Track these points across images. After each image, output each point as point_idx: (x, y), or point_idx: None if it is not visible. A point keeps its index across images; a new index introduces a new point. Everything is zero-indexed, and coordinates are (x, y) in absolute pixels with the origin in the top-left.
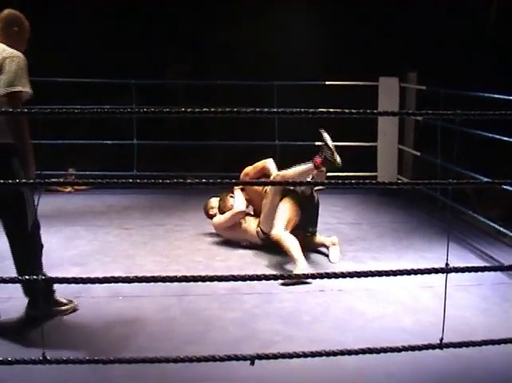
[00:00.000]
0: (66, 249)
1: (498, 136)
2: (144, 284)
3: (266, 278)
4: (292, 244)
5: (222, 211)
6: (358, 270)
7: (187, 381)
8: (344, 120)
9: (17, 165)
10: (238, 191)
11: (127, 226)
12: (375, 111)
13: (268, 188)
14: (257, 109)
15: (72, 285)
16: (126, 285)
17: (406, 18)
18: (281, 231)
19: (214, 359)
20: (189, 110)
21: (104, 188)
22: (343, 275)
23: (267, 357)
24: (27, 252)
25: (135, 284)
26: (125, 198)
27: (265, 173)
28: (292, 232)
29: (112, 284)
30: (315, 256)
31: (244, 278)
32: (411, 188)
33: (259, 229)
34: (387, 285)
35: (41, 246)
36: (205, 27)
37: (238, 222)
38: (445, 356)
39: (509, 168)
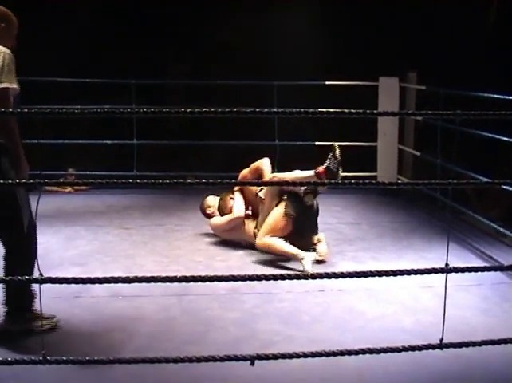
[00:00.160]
0: (66, 249)
1: (498, 136)
2: (144, 284)
3: (266, 278)
4: (280, 244)
5: (222, 212)
6: (358, 270)
7: (186, 381)
8: (344, 120)
9: (7, 165)
10: (237, 193)
11: (127, 226)
12: (375, 111)
13: (260, 193)
14: (257, 109)
15: (72, 285)
16: (126, 285)
17: (406, 18)
18: (262, 239)
19: (214, 359)
20: (189, 110)
21: (104, 188)
22: (343, 275)
23: (267, 357)
24: (21, 258)
25: (135, 284)
26: (125, 198)
27: (259, 174)
28: (290, 240)
29: (112, 284)
30: None
31: (244, 278)
32: (411, 188)
33: (256, 230)
34: (387, 285)
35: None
36: (205, 27)
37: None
38: (445, 356)
39: (509, 168)
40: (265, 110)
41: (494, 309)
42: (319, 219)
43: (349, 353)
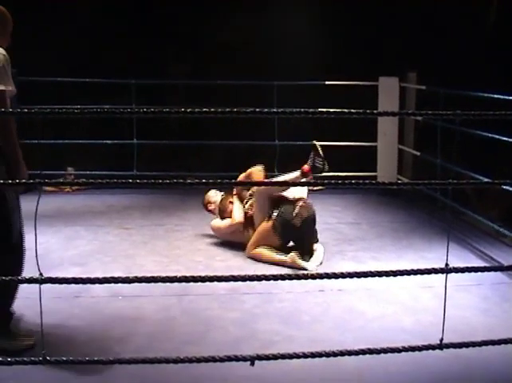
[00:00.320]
0: (66, 249)
1: (498, 136)
2: (144, 284)
3: (266, 278)
4: (268, 254)
5: (221, 215)
6: (358, 270)
7: (186, 381)
8: (344, 120)
9: (3, 173)
10: (235, 199)
11: (127, 226)
12: (375, 111)
13: (247, 206)
14: (257, 109)
15: (72, 285)
16: (126, 285)
17: (406, 18)
18: (250, 253)
19: (214, 359)
20: (189, 110)
21: (104, 188)
22: (343, 275)
23: (267, 357)
24: (5, 268)
25: (135, 284)
26: (125, 198)
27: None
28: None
29: (112, 284)
30: None
31: (244, 278)
32: (411, 188)
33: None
34: (387, 285)
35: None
36: (205, 27)
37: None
38: (445, 356)
39: (509, 168)
40: (265, 110)
41: (494, 309)
42: (319, 219)
43: (349, 353)
